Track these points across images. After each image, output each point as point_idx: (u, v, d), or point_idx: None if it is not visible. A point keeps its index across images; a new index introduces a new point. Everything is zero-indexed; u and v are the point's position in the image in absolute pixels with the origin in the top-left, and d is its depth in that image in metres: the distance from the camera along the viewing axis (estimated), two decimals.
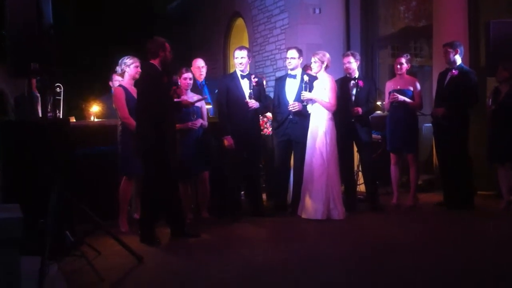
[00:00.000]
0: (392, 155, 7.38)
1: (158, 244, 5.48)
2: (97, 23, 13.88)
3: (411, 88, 7.17)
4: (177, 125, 6.00)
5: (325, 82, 6.66)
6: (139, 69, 6.07)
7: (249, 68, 7.01)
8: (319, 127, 6.57)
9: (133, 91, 6.05)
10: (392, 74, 8.28)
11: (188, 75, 6.52)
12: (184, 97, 6.30)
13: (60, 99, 7.04)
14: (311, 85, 6.69)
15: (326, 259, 5.02)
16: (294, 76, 6.93)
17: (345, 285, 4.36)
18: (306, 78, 6.71)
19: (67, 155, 5.13)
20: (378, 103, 8.04)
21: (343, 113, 6.90)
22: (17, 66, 4.99)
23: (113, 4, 14.41)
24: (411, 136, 7.21)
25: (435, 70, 8.15)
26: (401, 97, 7.07)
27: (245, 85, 6.71)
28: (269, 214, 6.77)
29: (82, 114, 7.83)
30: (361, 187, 7.67)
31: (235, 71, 6.86)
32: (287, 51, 7.07)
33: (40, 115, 5.62)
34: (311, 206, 6.50)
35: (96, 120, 7.14)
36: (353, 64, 7.07)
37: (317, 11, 10.19)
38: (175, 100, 5.99)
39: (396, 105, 7.16)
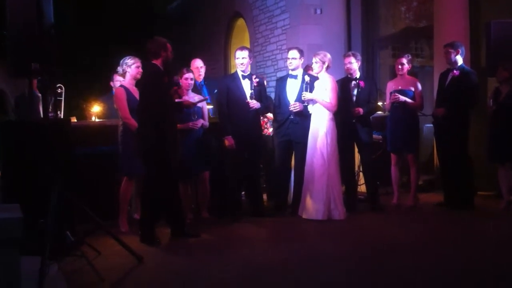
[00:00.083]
0: (392, 156, 7.38)
1: (158, 244, 5.49)
2: (97, 23, 13.87)
3: (412, 89, 7.16)
4: (178, 125, 6.00)
5: (326, 82, 6.66)
6: (140, 69, 6.08)
7: (250, 68, 7.01)
8: (320, 128, 6.57)
9: (134, 92, 6.06)
10: (393, 75, 8.28)
11: (189, 75, 6.52)
12: (185, 97, 6.31)
13: (61, 99, 7.06)
14: (312, 85, 6.69)
15: (326, 259, 5.02)
16: (295, 77, 6.93)
17: (345, 285, 4.36)
18: (307, 78, 6.71)
19: (67, 155, 5.14)
20: (379, 103, 8.03)
21: (344, 113, 6.89)
22: (17, 66, 5.00)
23: (113, 4, 14.40)
24: (411, 136, 7.20)
25: (436, 71, 8.15)
26: (402, 98, 7.07)
27: (246, 85, 6.71)
28: (269, 214, 6.77)
29: (83, 114, 7.84)
30: (362, 187, 7.67)
31: (236, 71, 6.86)
32: (288, 52, 7.07)
33: (42, 115, 5.62)
34: (312, 207, 6.50)
35: (97, 120, 7.15)
36: (354, 65, 7.07)
37: (318, 11, 10.19)
38: (177, 100, 6.00)
39: (397, 106, 7.15)
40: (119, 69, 6.25)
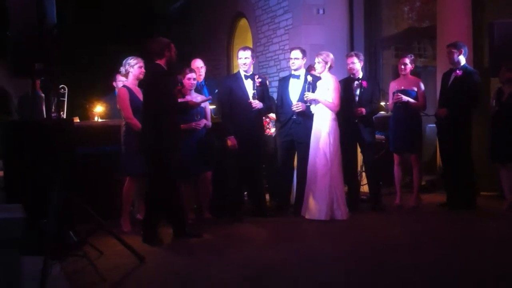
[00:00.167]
0: (395, 156, 7.38)
1: (160, 244, 5.50)
2: (96, 22, 13.84)
3: (415, 89, 7.15)
4: (181, 125, 6.01)
5: (328, 82, 6.65)
6: (143, 70, 6.09)
7: (253, 68, 7.01)
8: (323, 128, 6.57)
9: (137, 92, 6.08)
10: (396, 75, 8.27)
11: (192, 75, 6.52)
12: (188, 97, 6.33)
13: (64, 100, 7.08)
14: (315, 85, 6.69)
15: (326, 259, 5.02)
16: (297, 77, 6.93)
17: (344, 285, 4.36)
18: (309, 78, 6.71)
19: (69, 155, 5.15)
20: (382, 103, 8.03)
21: (347, 113, 6.89)
22: (18, 65, 5.01)
23: (112, 3, 14.37)
24: (414, 136, 7.20)
25: (439, 71, 8.13)
26: (405, 98, 7.06)
27: (248, 85, 6.71)
28: (271, 215, 6.77)
29: (85, 114, 7.85)
30: (364, 188, 7.67)
31: (238, 71, 6.87)
32: (290, 52, 7.07)
33: (45, 115, 5.64)
34: (315, 207, 6.51)
35: (99, 120, 7.16)
36: (357, 65, 7.07)
37: (321, 11, 10.18)
38: (180, 100, 6.00)
39: (399, 106, 7.15)
40: (122, 69, 6.26)
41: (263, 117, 7.20)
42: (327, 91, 6.62)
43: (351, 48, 10.12)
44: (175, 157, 5.61)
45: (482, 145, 7.35)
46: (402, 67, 7.24)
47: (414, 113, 7.21)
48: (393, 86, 7.34)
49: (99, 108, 7.30)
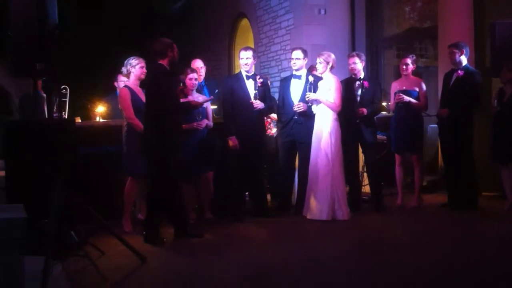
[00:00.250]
0: (396, 156, 7.37)
1: (162, 244, 5.50)
2: (98, 22, 13.85)
3: (417, 89, 7.15)
4: (183, 125, 6.02)
5: (330, 82, 6.65)
6: (144, 70, 6.10)
7: (254, 68, 7.01)
8: (324, 128, 6.57)
9: (139, 92, 6.08)
10: (398, 75, 8.27)
11: (194, 75, 6.52)
12: (190, 97, 6.34)
13: (66, 100, 7.08)
14: (316, 85, 6.69)
15: (327, 259, 5.02)
16: (299, 77, 6.93)
17: (344, 285, 4.36)
18: (311, 78, 6.71)
19: (70, 155, 5.15)
20: (383, 103, 8.02)
21: (348, 113, 6.89)
22: (18, 65, 5.00)
23: (113, 3, 14.38)
24: (416, 137, 7.20)
25: (441, 71, 8.13)
26: (407, 98, 7.06)
27: (250, 85, 6.72)
28: (273, 215, 6.77)
29: (87, 114, 7.85)
30: (366, 188, 7.66)
31: (240, 71, 6.87)
32: (292, 52, 7.08)
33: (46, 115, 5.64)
34: (316, 207, 6.50)
35: (101, 120, 7.17)
36: (358, 65, 7.07)
37: (322, 11, 10.18)
38: (183, 100, 6.00)
39: (401, 106, 7.15)
40: (124, 69, 6.26)
41: (265, 117, 7.20)
42: (329, 91, 6.62)
43: (353, 48, 10.11)
44: (177, 157, 5.61)
45: (483, 145, 7.35)
46: (404, 67, 7.24)
47: (416, 113, 7.21)
48: (395, 86, 7.34)
49: (100, 108, 7.30)
